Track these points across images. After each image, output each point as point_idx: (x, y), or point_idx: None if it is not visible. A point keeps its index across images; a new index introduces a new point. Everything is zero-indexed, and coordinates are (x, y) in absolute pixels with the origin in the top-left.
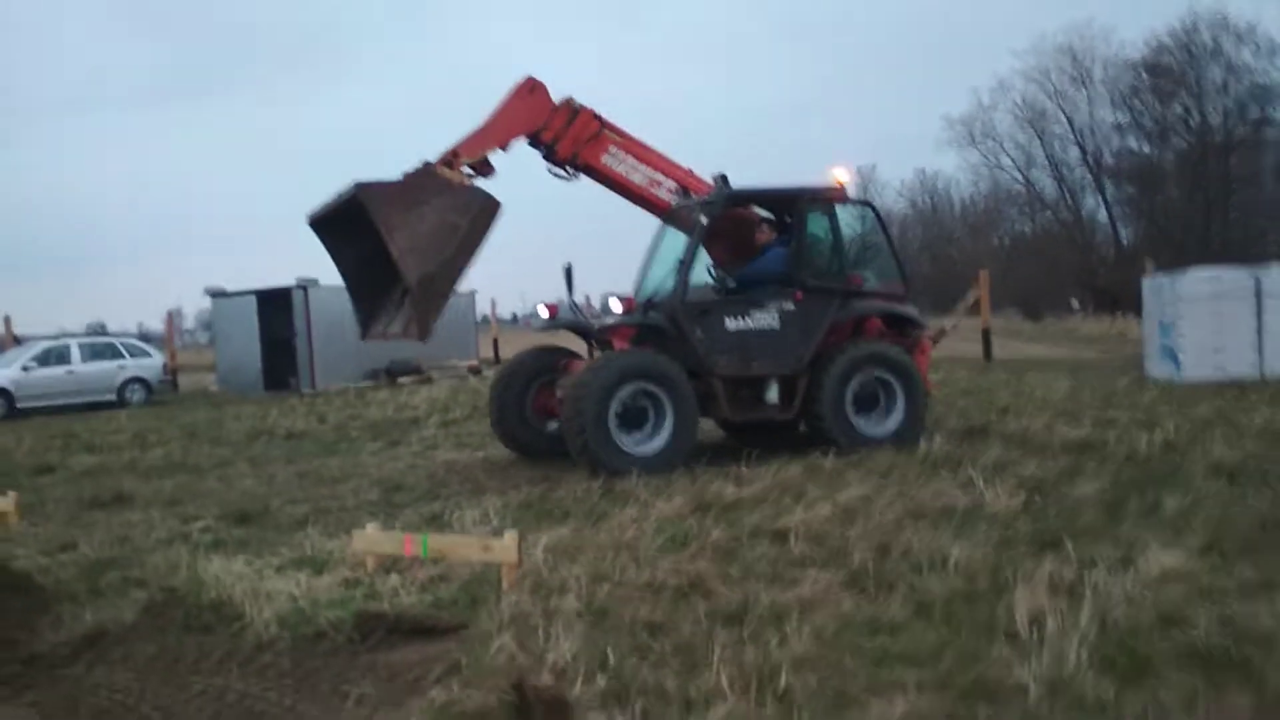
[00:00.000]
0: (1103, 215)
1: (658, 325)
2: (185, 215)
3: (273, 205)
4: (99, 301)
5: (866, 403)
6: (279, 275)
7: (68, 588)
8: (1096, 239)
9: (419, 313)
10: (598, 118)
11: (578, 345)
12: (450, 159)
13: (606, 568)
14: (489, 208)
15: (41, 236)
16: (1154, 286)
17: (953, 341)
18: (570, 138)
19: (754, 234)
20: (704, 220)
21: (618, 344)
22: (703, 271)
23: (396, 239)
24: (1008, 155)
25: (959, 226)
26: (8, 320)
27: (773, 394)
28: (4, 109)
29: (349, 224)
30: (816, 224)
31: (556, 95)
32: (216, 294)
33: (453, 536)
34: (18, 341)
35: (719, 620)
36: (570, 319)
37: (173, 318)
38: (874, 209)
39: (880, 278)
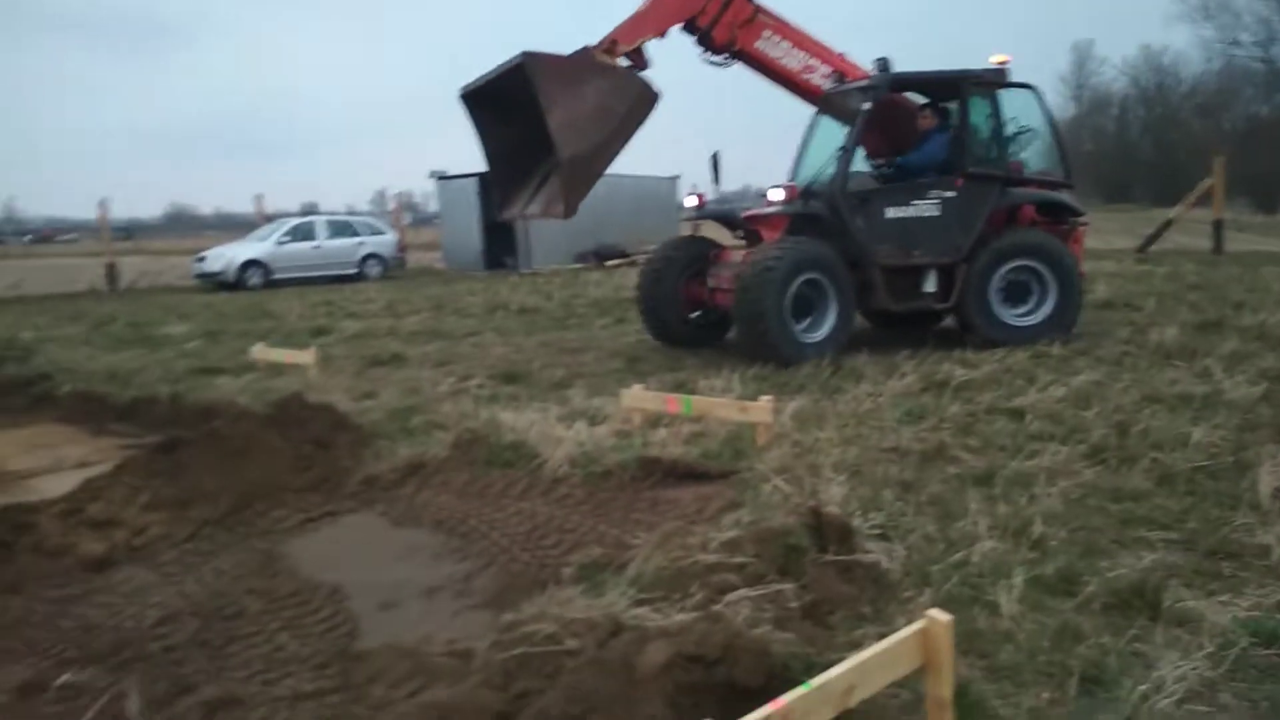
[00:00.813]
0: None
1: (818, 214)
2: (387, 102)
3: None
4: (307, 183)
5: (1018, 292)
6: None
7: (380, 428)
8: None
9: (566, 190)
10: (752, 1)
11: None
12: (609, 46)
13: (851, 433)
14: (647, 97)
15: (253, 122)
16: None
17: (1175, 233)
18: (725, 23)
19: (911, 121)
20: (866, 105)
21: (766, 234)
22: (859, 159)
23: (555, 113)
24: (1246, 29)
25: (1186, 108)
26: (259, 199)
27: (930, 283)
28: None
29: (500, 101)
30: (979, 108)
31: None
32: (441, 177)
33: (711, 398)
34: (268, 219)
35: (968, 482)
36: (718, 209)
37: (400, 200)
38: (1036, 92)
39: (1042, 164)
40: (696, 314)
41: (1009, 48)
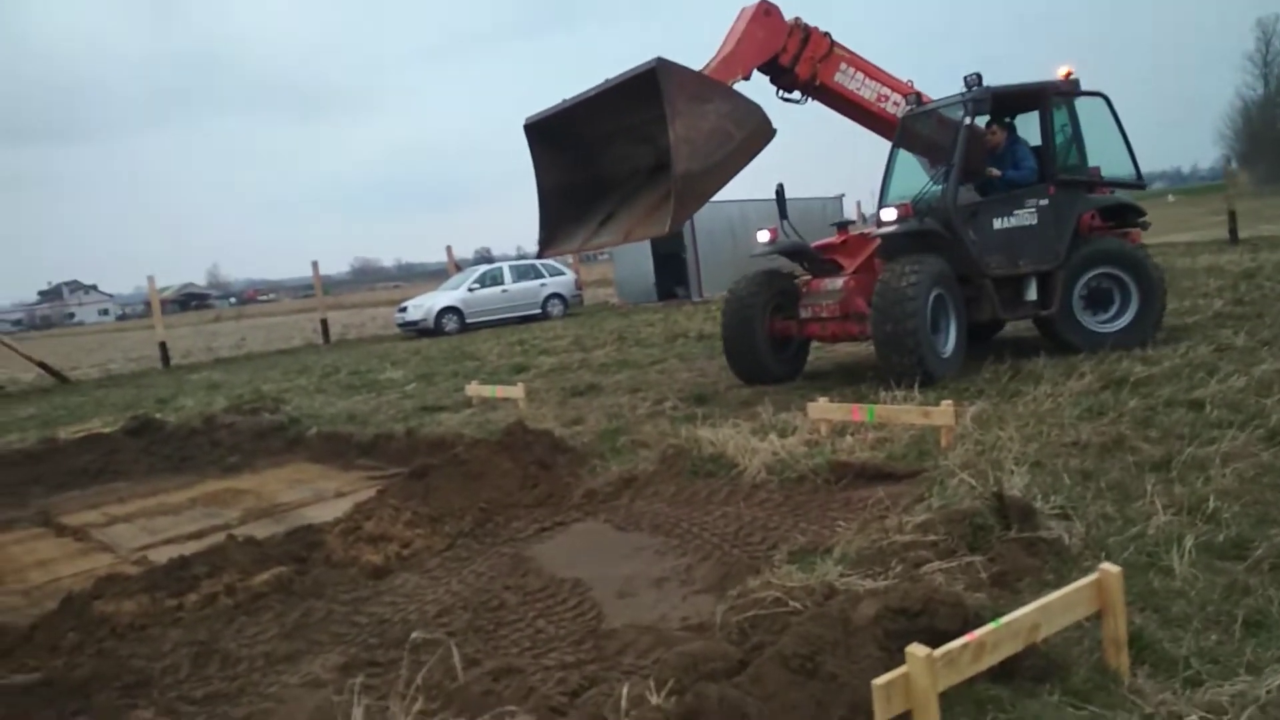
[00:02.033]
0: None
1: (933, 230)
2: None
3: None
4: (478, 230)
5: (1101, 299)
6: None
7: (591, 449)
8: None
9: (677, 205)
10: (826, 35)
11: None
12: None
13: (1031, 431)
14: (765, 129)
15: (424, 176)
16: None
17: None
18: (806, 58)
19: (983, 136)
20: (968, 120)
21: (845, 262)
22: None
23: (677, 125)
24: None
25: None
26: (449, 249)
27: (1032, 291)
28: (372, 63)
29: (563, 136)
30: (1061, 117)
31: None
32: None
33: (894, 406)
34: (458, 268)
35: (1145, 468)
36: (791, 242)
37: None
38: (1107, 99)
39: (1115, 168)
40: (782, 348)
41: (1186, 30)
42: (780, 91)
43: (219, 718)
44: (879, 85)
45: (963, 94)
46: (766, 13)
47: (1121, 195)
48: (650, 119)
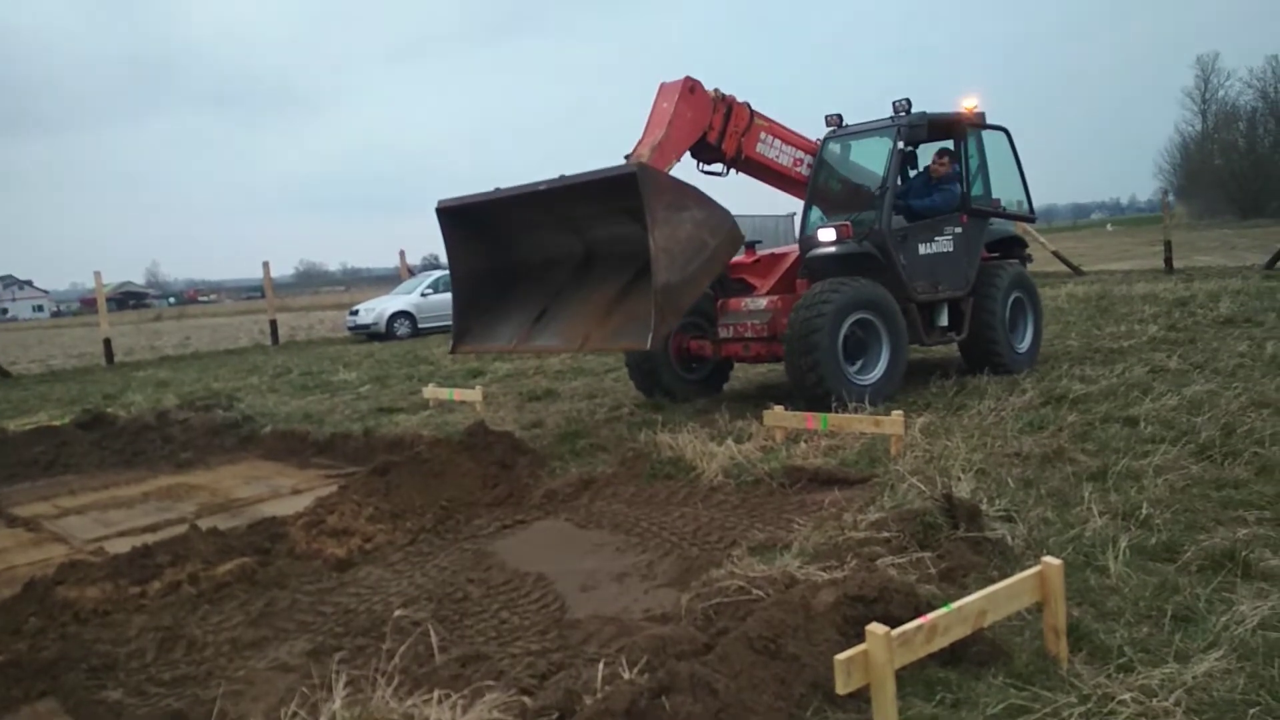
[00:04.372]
0: None
1: (869, 253)
2: (494, 159)
3: (578, 145)
4: (425, 238)
5: (1009, 324)
6: None
7: (551, 451)
8: None
9: (657, 320)
10: (745, 104)
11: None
12: None
13: (976, 442)
14: (734, 237)
15: (366, 180)
16: None
17: None
18: (731, 133)
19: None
20: (901, 145)
21: (756, 283)
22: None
23: (657, 235)
24: None
25: None
26: (402, 254)
27: (944, 317)
28: (339, 62)
29: (481, 221)
30: (974, 148)
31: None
32: None
33: (846, 415)
34: (411, 273)
35: (1083, 478)
36: None
37: None
38: (1007, 133)
39: (1011, 200)
40: (693, 367)
41: (1129, 64)
42: (700, 165)
43: (188, 699)
44: (794, 150)
45: (893, 118)
46: (691, 90)
47: (1006, 226)
48: (590, 214)
